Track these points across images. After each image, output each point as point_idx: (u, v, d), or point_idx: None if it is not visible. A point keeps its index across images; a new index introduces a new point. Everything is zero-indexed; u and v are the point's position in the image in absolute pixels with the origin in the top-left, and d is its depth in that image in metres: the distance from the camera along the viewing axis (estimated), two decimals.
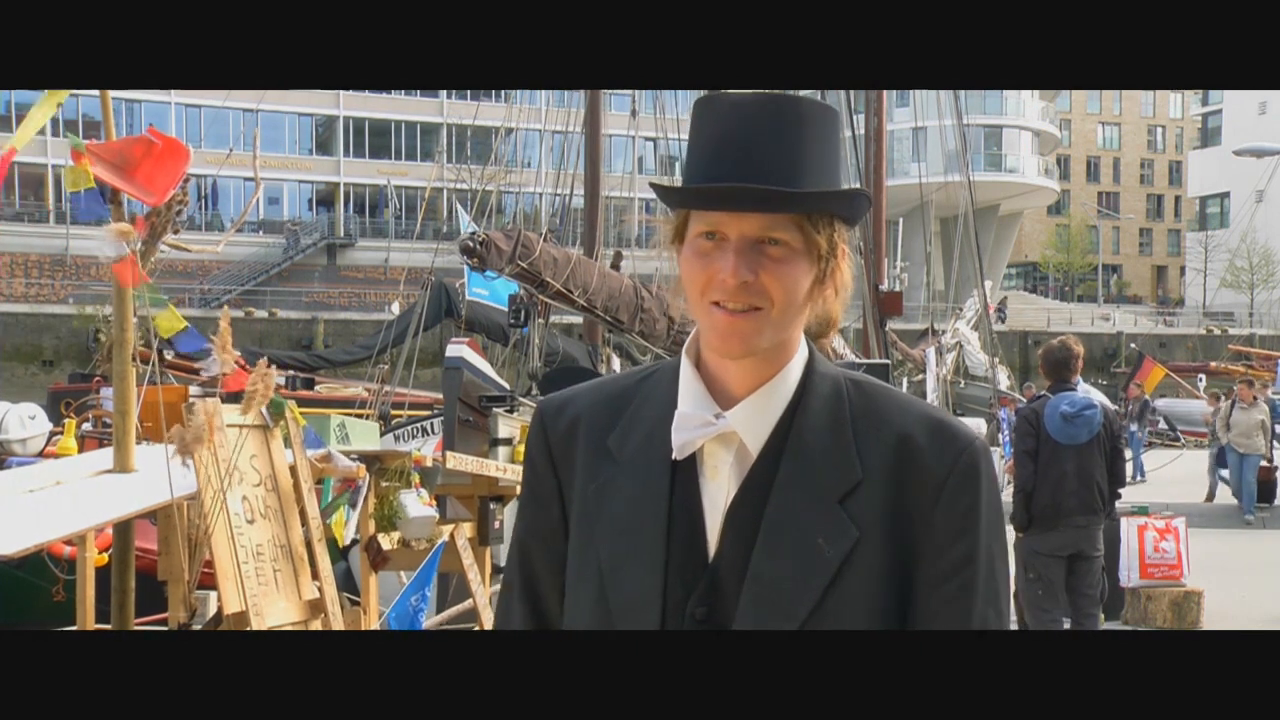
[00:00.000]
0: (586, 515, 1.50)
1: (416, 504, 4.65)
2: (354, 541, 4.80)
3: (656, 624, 1.43)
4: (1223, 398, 20.03)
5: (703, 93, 1.50)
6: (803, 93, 1.50)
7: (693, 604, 1.44)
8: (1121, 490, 7.11)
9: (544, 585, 1.57)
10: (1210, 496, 18.36)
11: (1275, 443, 17.51)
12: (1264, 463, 16.97)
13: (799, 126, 1.43)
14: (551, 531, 1.55)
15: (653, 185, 1.55)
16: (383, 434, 9.64)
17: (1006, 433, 14.99)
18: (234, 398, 3.82)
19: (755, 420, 1.46)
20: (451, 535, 5.20)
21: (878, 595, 1.42)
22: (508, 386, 10.63)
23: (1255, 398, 17.38)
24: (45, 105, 3.33)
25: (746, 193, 1.38)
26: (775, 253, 1.41)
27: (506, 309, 10.08)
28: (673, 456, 1.47)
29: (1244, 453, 16.74)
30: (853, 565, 1.41)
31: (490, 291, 10.12)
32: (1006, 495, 7.41)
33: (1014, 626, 7.63)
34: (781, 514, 1.42)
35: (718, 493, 1.46)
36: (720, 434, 1.46)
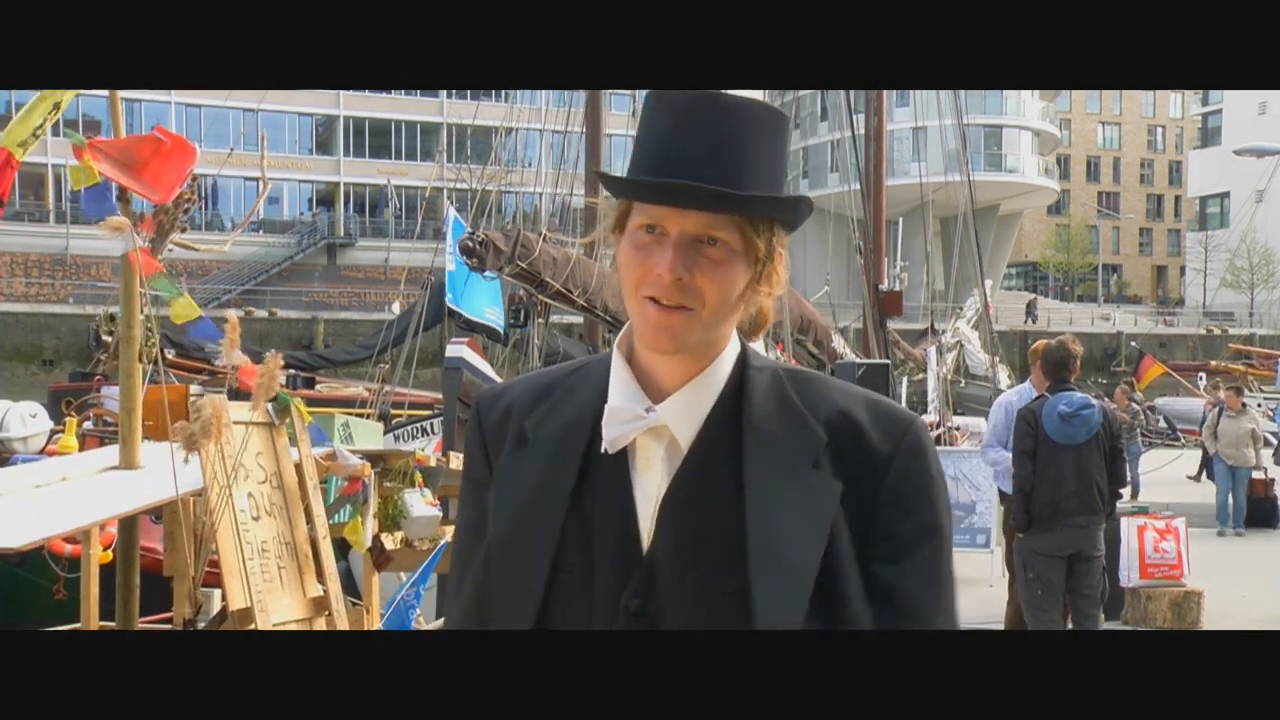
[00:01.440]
0: (496, 496, 1.52)
1: (420, 503, 4.66)
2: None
3: (533, 615, 1.43)
4: (1221, 389, 19.43)
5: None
6: (744, 93, 1.50)
7: (627, 596, 1.43)
8: (1122, 490, 7.12)
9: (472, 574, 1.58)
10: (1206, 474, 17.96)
11: (1270, 451, 16.50)
12: (1256, 474, 15.68)
13: (748, 129, 1.43)
14: (482, 518, 1.55)
15: (599, 174, 1.55)
16: (383, 434, 9.64)
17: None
18: (240, 397, 3.82)
19: (686, 413, 1.46)
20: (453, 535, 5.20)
21: (852, 555, 1.43)
22: None
23: (1244, 405, 16.23)
24: (39, 107, 3.33)
25: (693, 190, 1.39)
26: (713, 253, 1.42)
27: (486, 322, 10.04)
28: (604, 450, 1.47)
29: (1233, 465, 15.41)
30: (840, 519, 1.42)
31: (472, 307, 10.08)
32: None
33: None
34: (762, 493, 1.42)
35: (650, 485, 1.46)
36: (651, 427, 1.47)
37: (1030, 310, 55.19)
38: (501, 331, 10.20)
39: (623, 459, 1.47)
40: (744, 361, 1.51)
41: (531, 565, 1.45)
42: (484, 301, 9.80)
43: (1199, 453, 20.86)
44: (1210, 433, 16.00)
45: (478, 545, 1.54)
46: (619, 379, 1.50)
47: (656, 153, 1.43)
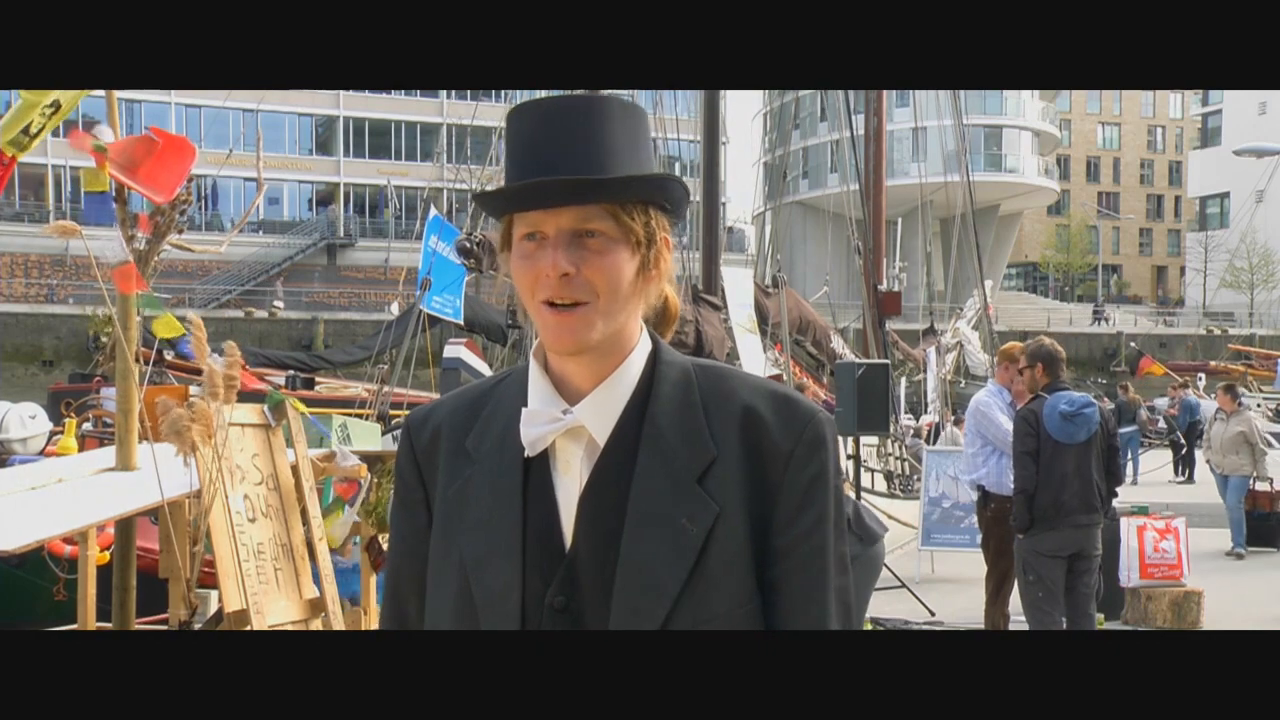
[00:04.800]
0: (448, 516, 1.55)
1: None
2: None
3: (518, 612, 1.47)
4: (1190, 389, 18.30)
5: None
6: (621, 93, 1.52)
7: (551, 593, 1.47)
8: (1118, 489, 7.12)
9: (406, 590, 1.61)
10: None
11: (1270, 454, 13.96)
12: (1256, 484, 13.35)
13: (603, 122, 1.47)
14: (416, 537, 1.59)
15: (475, 196, 1.59)
16: (382, 434, 9.62)
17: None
18: (243, 399, 3.82)
19: (600, 413, 1.50)
20: None
21: (742, 564, 1.47)
22: None
23: (1239, 404, 13.90)
24: (31, 107, 3.33)
25: (553, 185, 1.43)
26: (594, 244, 1.46)
27: (435, 313, 9.97)
28: (525, 453, 1.51)
29: (1225, 474, 13.35)
30: (716, 539, 1.45)
31: (453, 309, 10.01)
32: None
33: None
34: (645, 499, 1.46)
35: (570, 485, 1.50)
36: (569, 428, 1.50)
37: (1098, 315, 55.42)
38: (454, 319, 10.12)
39: (545, 461, 1.51)
40: (655, 359, 1.54)
41: (507, 568, 1.49)
42: (437, 289, 9.66)
43: (1197, 453, 20.61)
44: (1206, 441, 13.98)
45: (409, 562, 1.60)
46: (536, 385, 1.54)
47: (519, 162, 1.48)
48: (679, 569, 1.44)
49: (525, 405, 1.53)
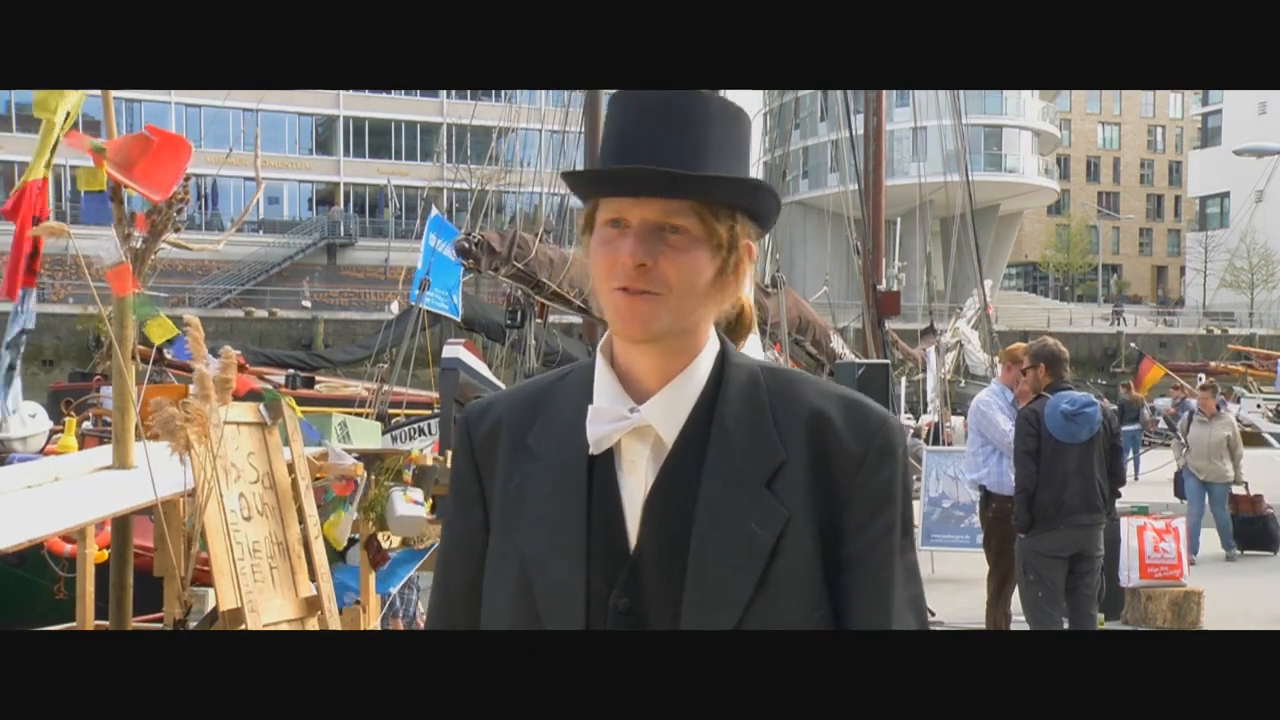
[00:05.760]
0: (507, 512, 1.52)
1: (402, 502, 4.62)
2: (352, 542, 4.80)
3: (582, 612, 1.45)
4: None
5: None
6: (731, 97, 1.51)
7: (615, 596, 1.45)
8: (1121, 489, 7.11)
9: (456, 587, 1.59)
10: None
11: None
12: (1236, 489, 13.00)
13: (702, 120, 1.46)
14: (472, 533, 1.57)
15: (564, 175, 1.56)
16: (383, 434, 9.60)
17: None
18: (240, 400, 3.82)
19: (669, 412, 1.48)
20: None
21: (811, 571, 1.45)
22: (503, 386, 10.63)
23: (1219, 407, 13.48)
24: (47, 130, 3.35)
25: (643, 175, 1.41)
26: (675, 240, 1.44)
27: (429, 307, 9.94)
28: (589, 451, 1.48)
29: (1206, 480, 12.84)
30: (786, 545, 1.43)
31: (450, 305, 9.98)
32: None
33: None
34: (713, 502, 1.44)
35: (635, 486, 1.48)
36: (635, 427, 1.48)
37: (1117, 314, 55.37)
38: (451, 314, 10.10)
39: (609, 460, 1.49)
40: (724, 359, 1.52)
41: (569, 568, 1.46)
42: (435, 289, 9.58)
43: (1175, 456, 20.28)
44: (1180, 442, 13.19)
45: (462, 559, 1.57)
46: (603, 381, 1.51)
47: (613, 148, 1.47)
48: (749, 575, 1.42)
49: (590, 402, 1.50)
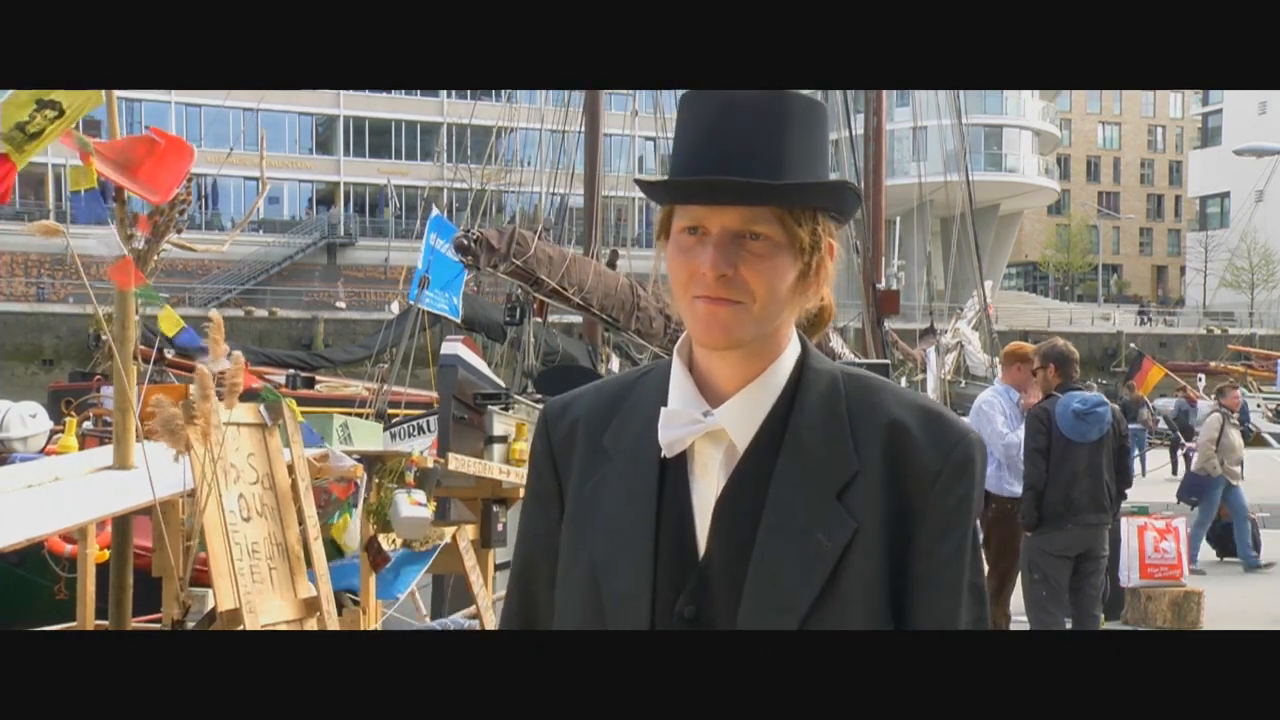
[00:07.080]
0: (580, 514, 1.51)
1: (406, 504, 4.62)
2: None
3: (647, 619, 1.43)
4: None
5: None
6: (804, 92, 1.49)
7: (682, 603, 1.43)
8: (1128, 489, 7.12)
9: (536, 586, 1.57)
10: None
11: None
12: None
13: (783, 122, 1.42)
14: (549, 533, 1.55)
15: (638, 181, 1.53)
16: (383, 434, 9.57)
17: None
18: (242, 398, 3.82)
19: (743, 417, 1.45)
20: (454, 537, 5.20)
21: (877, 585, 1.42)
22: (503, 384, 10.62)
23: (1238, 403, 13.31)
24: (18, 103, 3.32)
25: (725, 185, 1.38)
26: (756, 247, 1.41)
27: (427, 307, 9.93)
28: (661, 454, 1.46)
29: (1235, 483, 12.30)
30: (851, 557, 1.40)
31: (450, 306, 9.96)
32: None
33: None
34: (781, 510, 1.42)
35: (707, 490, 1.45)
36: (709, 431, 1.45)
37: (1143, 314, 55.27)
38: (451, 315, 10.08)
39: (682, 464, 1.47)
40: (803, 363, 1.49)
41: (635, 574, 1.45)
42: (435, 287, 9.55)
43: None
44: (1212, 444, 12.47)
45: (541, 558, 1.56)
46: (678, 383, 1.49)
47: (690, 153, 1.43)
48: (810, 586, 1.40)
49: (665, 404, 1.48)
